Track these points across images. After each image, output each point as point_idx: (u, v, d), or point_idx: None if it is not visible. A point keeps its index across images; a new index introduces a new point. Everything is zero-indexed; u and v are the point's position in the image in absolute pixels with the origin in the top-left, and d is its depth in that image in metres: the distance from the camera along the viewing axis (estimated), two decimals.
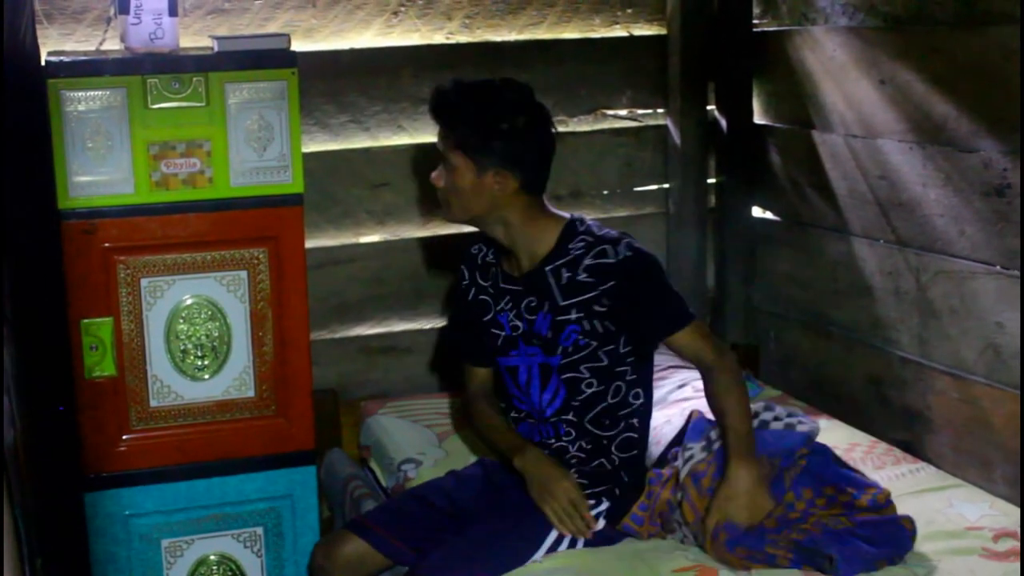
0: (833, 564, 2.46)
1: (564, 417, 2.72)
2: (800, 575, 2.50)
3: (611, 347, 2.68)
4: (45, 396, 2.84)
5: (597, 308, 2.65)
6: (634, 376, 2.74)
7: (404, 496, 2.99)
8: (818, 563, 2.49)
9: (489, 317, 2.80)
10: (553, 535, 2.66)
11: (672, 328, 2.67)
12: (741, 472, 2.57)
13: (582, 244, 2.67)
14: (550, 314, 2.69)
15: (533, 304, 2.72)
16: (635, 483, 2.76)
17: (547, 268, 2.69)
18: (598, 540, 2.70)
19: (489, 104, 2.64)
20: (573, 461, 2.73)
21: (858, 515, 2.58)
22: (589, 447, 2.73)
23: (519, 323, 2.74)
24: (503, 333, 2.77)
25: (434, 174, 2.71)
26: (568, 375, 2.69)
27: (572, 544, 2.67)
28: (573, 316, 2.67)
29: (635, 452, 2.77)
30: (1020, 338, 2.97)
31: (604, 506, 2.72)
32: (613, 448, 2.74)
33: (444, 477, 2.97)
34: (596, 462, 2.73)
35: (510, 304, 2.76)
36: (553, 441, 2.74)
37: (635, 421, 2.76)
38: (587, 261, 2.65)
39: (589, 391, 2.70)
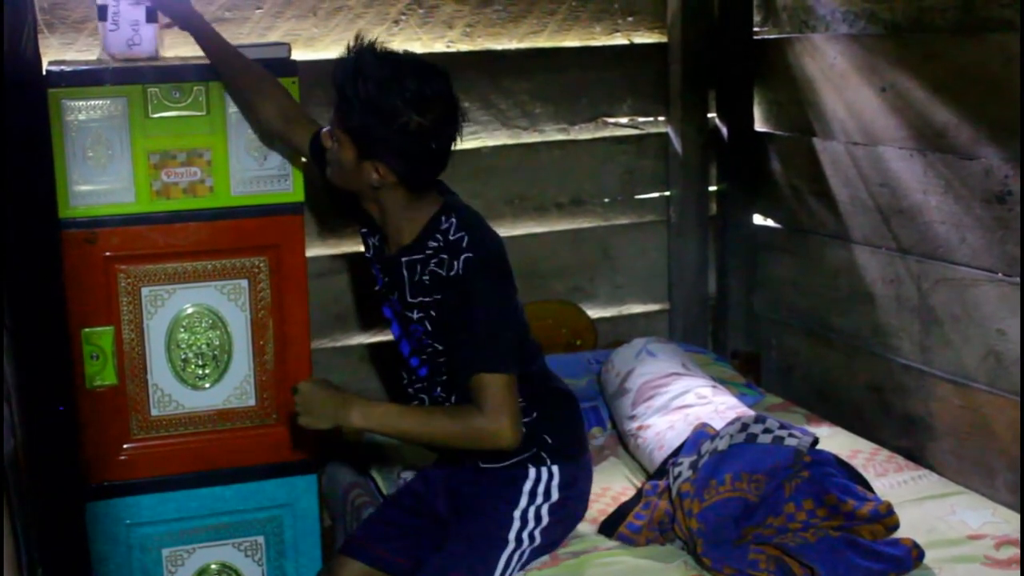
0: None
1: (436, 384, 2.66)
2: None
3: None
4: (46, 405, 2.84)
5: (433, 314, 2.57)
6: None
7: (384, 507, 2.95)
8: None
9: (369, 255, 2.73)
10: (513, 528, 2.64)
11: (475, 368, 2.48)
12: (354, 407, 2.48)
13: (435, 244, 2.54)
14: (399, 304, 2.63)
15: (390, 283, 2.65)
16: (566, 440, 2.71)
17: (403, 259, 2.59)
18: (566, 507, 2.69)
19: (387, 95, 2.42)
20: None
21: (859, 525, 2.58)
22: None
23: (384, 288, 2.68)
24: (376, 284, 2.71)
25: (324, 130, 2.59)
26: (424, 357, 2.64)
27: (537, 523, 2.65)
28: (415, 316, 2.60)
29: (535, 415, 2.64)
30: (1022, 345, 2.96)
31: (554, 475, 2.66)
32: None
33: (413, 479, 2.95)
34: None
35: (380, 269, 2.70)
36: (443, 400, 2.68)
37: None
38: (431, 264, 2.54)
39: (448, 371, 2.62)
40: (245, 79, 2.86)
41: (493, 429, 2.47)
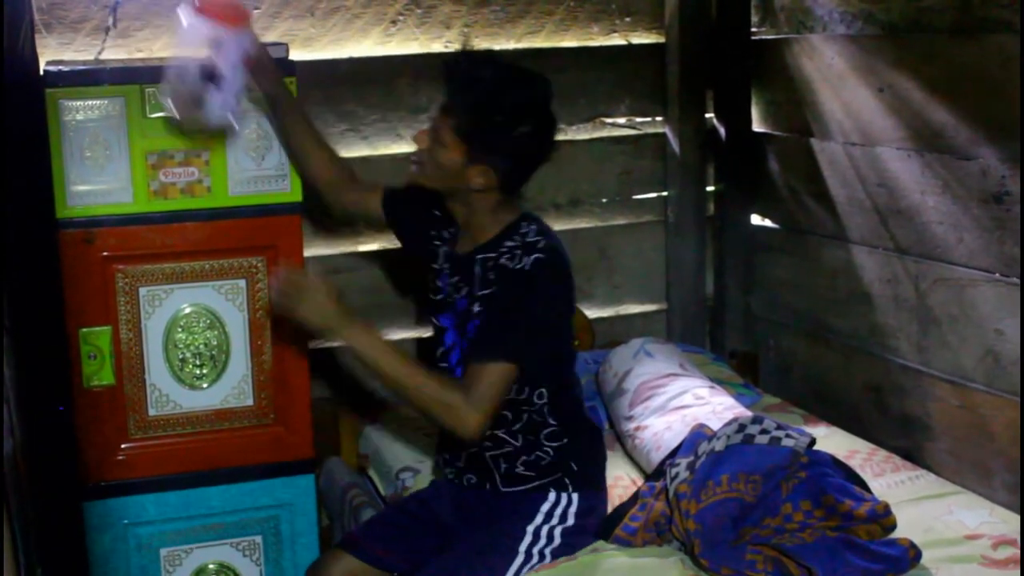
0: None
1: None
2: None
3: None
4: (44, 405, 2.84)
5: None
6: (535, 374, 2.62)
7: (389, 509, 2.98)
8: None
9: (436, 266, 2.75)
10: (524, 541, 2.64)
11: (485, 356, 2.50)
12: (354, 323, 2.47)
13: (511, 244, 2.58)
14: (466, 300, 2.65)
15: (460, 284, 2.67)
16: (590, 471, 2.73)
17: (478, 256, 2.63)
18: (578, 535, 2.68)
19: (503, 101, 2.51)
20: (506, 448, 2.66)
21: (856, 525, 2.58)
22: (520, 441, 2.66)
23: (451, 292, 2.69)
24: (441, 293, 2.73)
25: (417, 137, 2.62)
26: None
27: (549, 542, 2.65)
28: (476, 311, 2.61)
29: (566, 441, 2.67)
30: (1020, 345, 2.96)
31: (573, 502, 2.68)
32: (542, 439, 2.67)
33: (424, 489, 2.96)
34: (532, 455, 2.67)
35: (449, 270, 2.72)
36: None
37: (550, 419, 2.66)
38: (502, 259, 2.57)
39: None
40: (321, 152, 2.92)
41: (464, 414, 2.47)
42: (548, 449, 2.67)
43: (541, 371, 2.62)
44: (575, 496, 2.69)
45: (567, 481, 2.69)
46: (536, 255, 2.54)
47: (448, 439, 2.72)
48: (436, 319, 2.75)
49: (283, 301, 2.49)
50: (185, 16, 2.51)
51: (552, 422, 2.67)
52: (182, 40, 2.53)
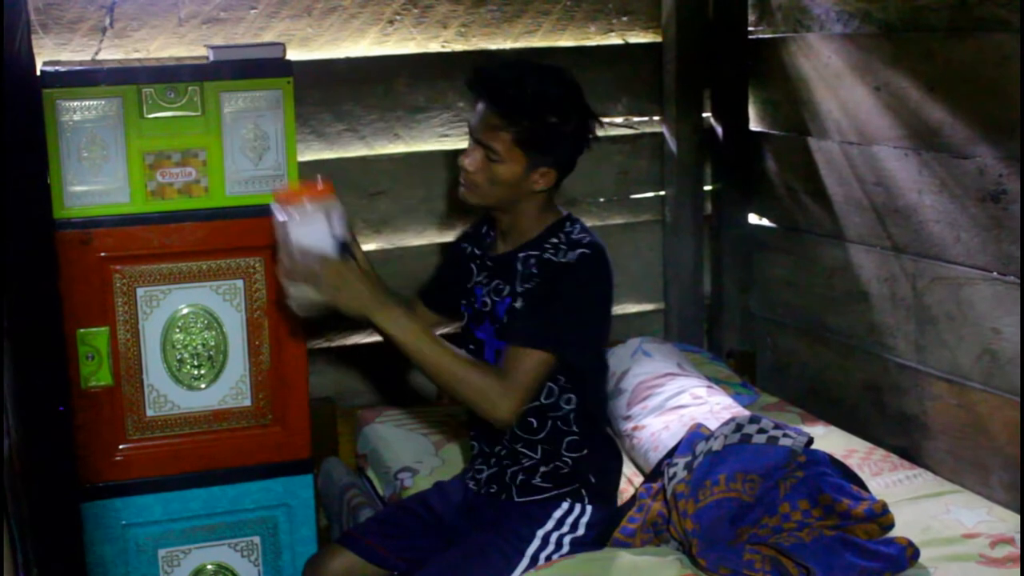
0: None
1: None
2: None
3: None
4: (42, 406, 2.84)
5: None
6: (566, 381, 2.63)
7: (389, 510, 2.98)
8: None
9: (469, 284, 2.76)
10: (532, 545, 2.65)
11: (525, 341, 2.50)
12: (385, 305, 2.45)
13: (555, 241, 2.60)
14: (509, 298, 2.65)
15: (500, 286, 2.67)
16: (606, 485, 2.74)
17: (520, 254, 2.64)
18: (586, 544, 2.68)
19: (551, 103, 2.52)
20: (526, 462, 2.67)
21: (854, 524, 2.58)
22: (540, 453, 2.67)
23: (488, 300, 2.69)
24: (475, 306, 2.72)
25: (467, 159, 2.57)
26: None
27: (558, 549, 2.66)
28: (518, 305, 2.61)
29: (585, 452, 2.67)
30: (1020, 345, 2.96)
31: (585, 512, 2.69)
32: (562, 449, 2.67)
33: (429, 489, 2.95)
34: (551, 465, 2.67)
35: (485, 279, 2.71)
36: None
37: (574, 427, 2.67)
38: (546, 254, 2.59)
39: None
40: None
41: (497, 399, 2.46)
42: (567, 459, 2.67)
43: (579, 366, 2.61)
44: (589, 508, 2.70)
45: (583, 492, 2.69)
46: (581, 250, 2.56)
47: (483, 451, 2.73)
48: (472, 333, 2.74)
49: (312, 284, 2.42)
50: (278, 212, 2.49)
51: (575, 430, 2.67)
52: (285, 234, 2.47)
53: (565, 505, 2.68)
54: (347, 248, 2.48)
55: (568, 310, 2.53)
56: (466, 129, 2.68)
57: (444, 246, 3.73)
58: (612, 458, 2.78)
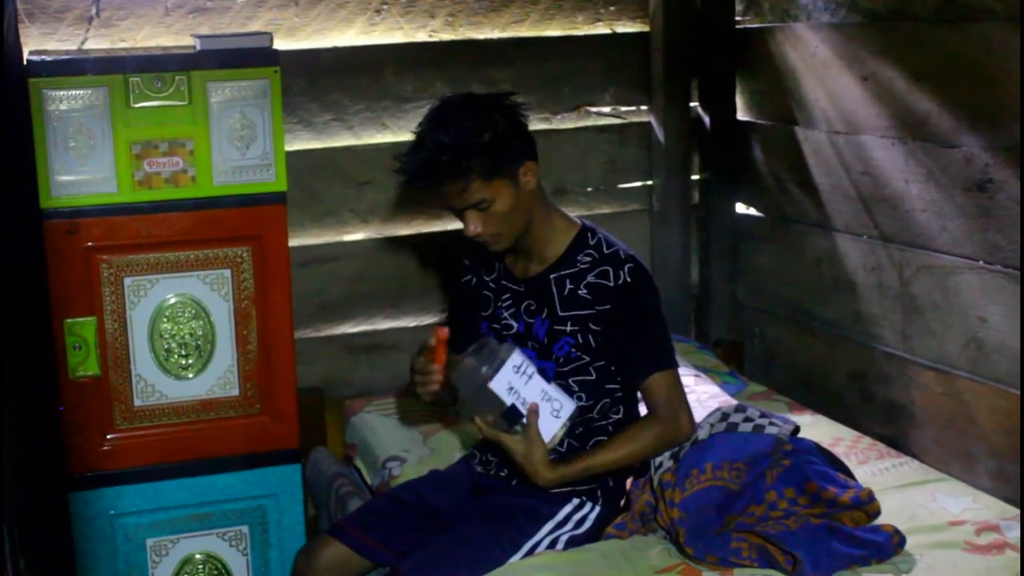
0: (798, 565, 2.46)
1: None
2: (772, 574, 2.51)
3: (602, 363, 2.67)
4: (28, 396, 2.83)
5: (592, 326, 2.64)
6: (621, 393, 2.72)
7: (382, 497, 2.98)
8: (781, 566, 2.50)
9: (489, 312, 2.78)
10: (533, 539, 2.66)
11: (651, 369, 2.63)
12: (542, 469, 2.57)
13: (589, 259, 2.65)
14: (548, 320, 2.68)
15: (533, 308, 2.71)
16: (619, 487, 2.77)
17: (552, 276, 2.67)
18: (580, 541, 2.69)
19: (472, 128, 2.52)
20: (551, 457, 2.67)
21: (841, 512, 2.59)
22: (563, 450, 2.69)
23: (515, 323, 2.73)
24: (513, 329, 2.74)
25: (471, 227, 2.58)
26: (560, 383, 2.67)
27: (552, 547, 2.67)
28: (568, 328, 2.65)
29: None
30: (1020, 338, 2.96)
31: (594, 510, 2.70)
32: (587, 448, 2.70)
33: (424, 477, 2.95)
34: None
35: (509, 302, 2.75)
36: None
37: (609, 431, 2.71)
38: (589, 278, 2.63)
39: (595, 383, 2.69)
40: None
41: (673, 430, 2.65)
42: None
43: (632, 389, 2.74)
44: (597, 508, 2.71)
45: (598, 492, 2.71)
46: (628, 265, 2.64)
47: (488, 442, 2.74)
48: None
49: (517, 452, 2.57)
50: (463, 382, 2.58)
51: (605, 439, 2.70)
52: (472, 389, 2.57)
53: (576, 501, 2.69)
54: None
55: (657, 324, 2.67)
56: None
57: (432, 236, 3.74)
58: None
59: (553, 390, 2.58)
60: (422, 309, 3.79)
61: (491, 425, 2.58)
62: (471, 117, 2.53)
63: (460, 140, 2.50)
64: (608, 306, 2.62)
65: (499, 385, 2.53)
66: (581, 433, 2.70)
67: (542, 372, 2.60)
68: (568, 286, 2.66)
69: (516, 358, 2.55)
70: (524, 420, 2.54)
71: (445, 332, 2.59)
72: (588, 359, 2.66)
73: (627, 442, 2.64)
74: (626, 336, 2.63)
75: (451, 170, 2.51)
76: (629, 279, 2.62)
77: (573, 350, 2.66)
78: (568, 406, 2.59)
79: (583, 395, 2.67)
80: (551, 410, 2.57)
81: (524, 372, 2.55)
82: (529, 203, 2.62)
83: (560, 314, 2.66)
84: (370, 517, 2.84)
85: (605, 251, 2.66)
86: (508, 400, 2.53)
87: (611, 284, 2.62)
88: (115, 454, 2.98)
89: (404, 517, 2.81)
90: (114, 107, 2.84)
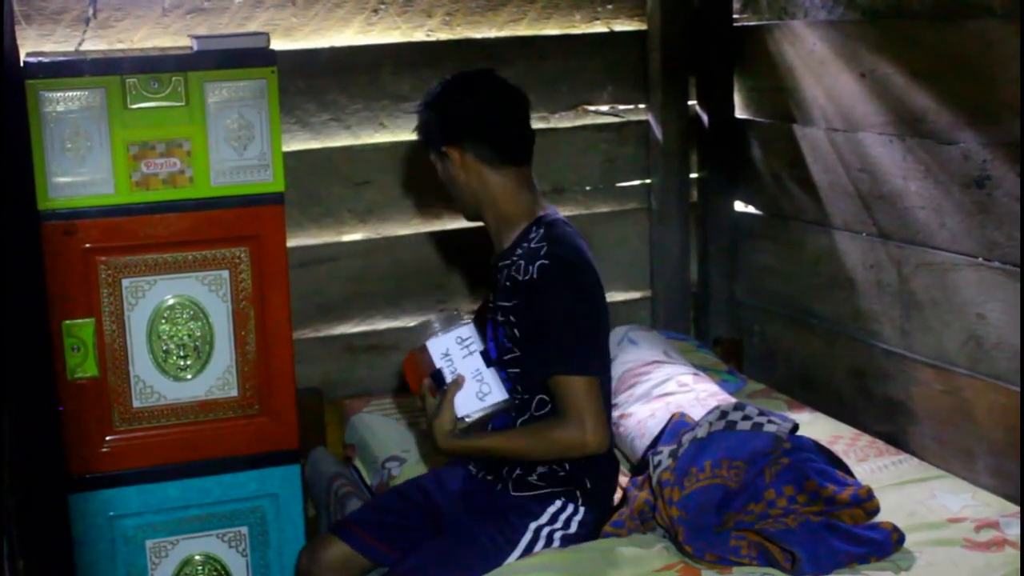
0: (797, 563, 2.46)
1: (513, 393, 2.68)
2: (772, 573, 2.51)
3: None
4: (27, 398, 2.83)
5: (511, 318, 2.62)
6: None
7: (387, 495, 2.98)
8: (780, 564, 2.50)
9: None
10: (528, 536, 2.66)
11: (553, 370, 2.55)
12: (440, 435, 2.60)
13: (520, 251, 2.63)
14: (494, 307, 2.70)
15: (490, 294, 2.73)
16: (602, 490, 2.74)
17: (500, 264, 2.68)
18: (575, 541, 2.69)
19: (434, 92, 2.70)
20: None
21: (840, 509, 2.59)
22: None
23: (493, 306, 2.73)
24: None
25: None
26: (505, 361, 2.66)
27: (548, 544, 2.67)
28: (499, 318, 2.65)
29: (585, 459, 2.65)
30: (1019, 335, 2.95)
31: (578, 513, 2.68)
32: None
33: (426, 475, 2.96)
34: (549, 467, 2.66)
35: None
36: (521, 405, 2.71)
37: None
38: (510, 270, 2.62)
39: (520, 378, 2.66)
40: None
41: (576, 437, 2.54)
42: (566, 463, 2.67)
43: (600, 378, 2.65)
44: (582, 509, 2.70)
45: (578, 494, 2.69)
46: (540, 262, 2.57)
47: None
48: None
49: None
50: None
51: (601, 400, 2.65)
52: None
53: (559, 503, 2.68)
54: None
55: (566, 326, 2.56)
56: None
57: (430, 236, 3.75)
58: (610, 465, 2.78)
59: (489, 375, 2.61)
60: (421, 309, 3.79)
61: (427, 385, 2.65)
62: (440, 87, 2.70)
63: (418, 106, 2.72)
64: (516, 301, 2.60)
65: (435, 347, 2.62)
66: (513, 424, 2.68)
67: (485, 355, 2.62)
68: (504, 276, 2.65)
69: (464, 331, 2.62)
70: (445, 388, 2.60)
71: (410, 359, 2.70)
72: (518, 352, 2.64)
73: (526, 435, 2.61)
74: (527, 333, 2.60)
75: (417, 129, 2.74)
76: (536, 276, 2.56)
77: (506, 340, 2.65)
78: (497, 395, 2.61)
79: (519, 387, 2.65)
80: (477, 390, 2.60)
81: (466, 346, 2.61)
82: (471, 185, 2.67)
83: (497, 303, 2.66)
84: (375, 515, 2.84)
85: (534, 245, 2.61)
86: (438, 364, 2.61)
87: (520, 278, 2.58)
88: (114, 455, 2.98)
89: (407, 514, 2.81)
90: (111, 108, 2.84)
